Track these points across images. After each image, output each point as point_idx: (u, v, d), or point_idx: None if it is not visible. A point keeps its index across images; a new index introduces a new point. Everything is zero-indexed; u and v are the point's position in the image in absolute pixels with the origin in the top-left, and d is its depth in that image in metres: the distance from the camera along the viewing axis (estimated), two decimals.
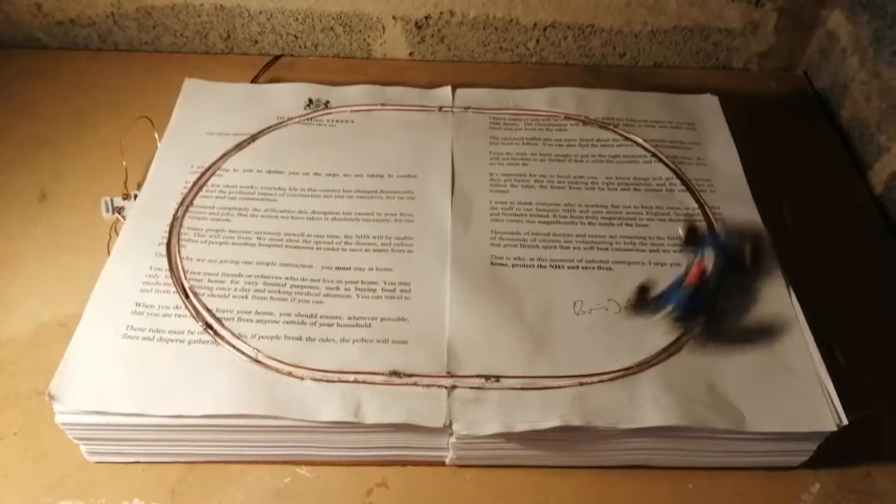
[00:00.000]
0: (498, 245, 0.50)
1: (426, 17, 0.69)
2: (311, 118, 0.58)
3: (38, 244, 0.54)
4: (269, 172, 0.54)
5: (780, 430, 0.41)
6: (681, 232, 0.47)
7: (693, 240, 0.46)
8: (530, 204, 0.52)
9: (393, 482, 0.43)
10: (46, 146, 0.61)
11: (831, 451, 0.43)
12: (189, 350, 0.43)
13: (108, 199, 0.54)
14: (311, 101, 0.59)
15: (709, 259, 0.44)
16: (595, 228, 0.51)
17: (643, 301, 0.44)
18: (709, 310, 0.44)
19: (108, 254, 0.49)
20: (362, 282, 0.47)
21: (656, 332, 0.45)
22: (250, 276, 0.47)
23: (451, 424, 0.41)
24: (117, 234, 0.51)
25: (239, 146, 0.55)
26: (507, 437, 0.41)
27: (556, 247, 0.50)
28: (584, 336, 0.45)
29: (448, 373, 0.43)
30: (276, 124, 0.57)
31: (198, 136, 0.56)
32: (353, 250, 0.49)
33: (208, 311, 0.45)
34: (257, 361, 0.43)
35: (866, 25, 0.63)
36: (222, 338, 0.44)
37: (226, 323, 0.44)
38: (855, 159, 0.63)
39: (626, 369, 0.43)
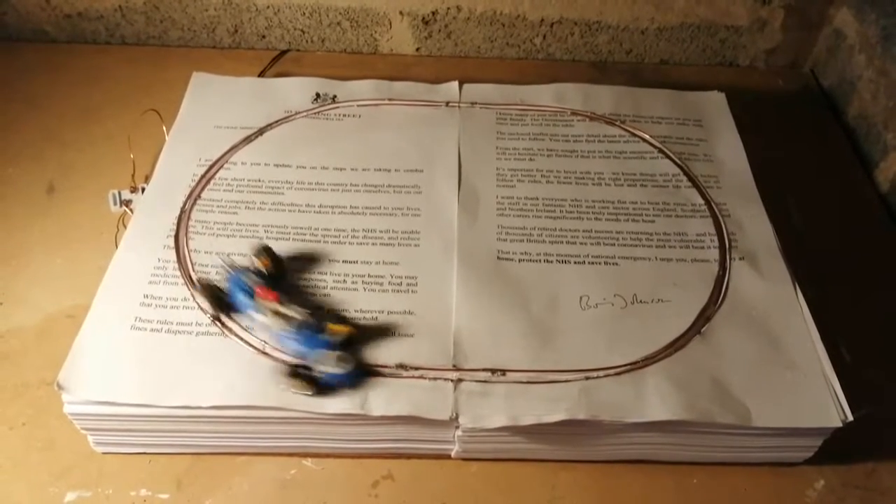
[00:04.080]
0: (504, 240, 0.50)
1: (433, 13, 0.69)
2: (318, 112, 0.58)
3: (46, 236, 0.54)
4: (277, 166, 0.54)
5: (784, 425, 0.41)
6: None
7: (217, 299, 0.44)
8: (537, 199, 0.52)
9: (399, 475, 0.43)
10: (54, 139, 0.61)
11: (836, 448, 0.43)
12: (197, 341, 0.43)
13: (116, 192, 0.54)
14: (318, 95, 0.60)
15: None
16: (601, 224, 0.51)
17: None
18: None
19: (116, 246, 0.49)
20: (369, 275, 0.47)
21: (663, 326, 0.45)
22: None
23: (457, 417, 0.41)
24: (125, 226, 0.51)
25: (246, 140, 0.56)
26: (513, 430, 0.41)
27: (562, 242, 0.50)
28: (589, 331, 0.45)
29: (454, 366, 0.43)
30: (284, 118, 0.58)
31: (205, 130, 0.56)
32: (360, 244, 0.49)
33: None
34: (265, 353, 0.43)
35: (874, 23, 0.63)
36: (230, 330, 0.44)
37: (233, 315, 0.44)
38: (861, 157, 0.63)
39: (632, 364, 0.43)
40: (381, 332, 0.44)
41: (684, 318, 0.46)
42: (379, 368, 0.42)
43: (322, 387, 0.41)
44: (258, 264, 0.45)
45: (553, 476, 0.44)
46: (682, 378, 0.42)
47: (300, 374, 0.41)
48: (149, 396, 0.41)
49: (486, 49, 0.72)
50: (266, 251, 0.46)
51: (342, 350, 0.42)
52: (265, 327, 0.43)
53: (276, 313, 0.42)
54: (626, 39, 0.71)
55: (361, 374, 0.42)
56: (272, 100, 0.59)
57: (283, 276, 0.46)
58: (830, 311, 0.47)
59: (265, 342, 0.43)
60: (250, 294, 0.43)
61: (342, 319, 0.45)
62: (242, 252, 0.48)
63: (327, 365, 0.41)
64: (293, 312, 0.42)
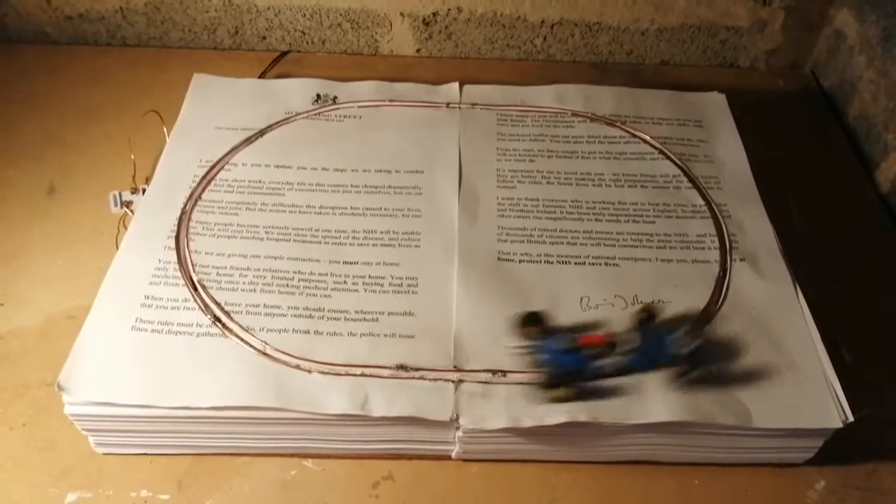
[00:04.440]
0: (505, 241, 0.50)
1: (434, 14, 0.69)
2: (318, 114, 0.58)
3: (47, 237, 0.54)
4: (277, 167, 0.54)
5: (785, 426, 0.41)
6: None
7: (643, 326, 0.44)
8: (537, 200, 0.52)
9: (399, 475, 0.43)
10: (55, 141, 0.61)
11: (836, 448, 0.43)
12: (197, 342, 0.43)
13: (117, 193, 0.54)
14: (318, 96, 0.60)
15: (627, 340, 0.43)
16: (602, 225, 0.51)
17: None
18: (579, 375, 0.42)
19: (117, 247, 0.49)
20: (370, 276, 0.47)
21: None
22: (258, 269, 0.47)
23: (457, 418, 0.41)
24: (125, 227, 0.51)
25: (247, 141, 0.56)
26: (514, 431, 0.41)
27: (562, 243, 0.50)
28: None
29: (455, 367, 0.43)
30: (284, 119, 0.58)
31: (206, 131, 0.56)
32: (361, 245, 0.49)
33: (217, 304, 0.45)
34: (265, 354, 0.43)
35: (874, 24, 0.63)
36: (230, 330, 0.44)
37: (234, 316, 0.44)
38: (862, 158, 0.63)
39: None
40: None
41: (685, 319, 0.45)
42: (379, 369, 0.42)
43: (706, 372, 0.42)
44: (534, 334, 0.43)
45: (554, 477, 0.43)
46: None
47: (688, 375, 0.42)
48: (149, 397, 0.41)
49: (486, 50, 0.72)
50: (529, 318, 0.44)
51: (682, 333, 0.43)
52: (626, 368, 0.42)
53: (614, 344, 0.42)
54: (626, 40, 0.71)
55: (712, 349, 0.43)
56: (273, 101, 0.59)
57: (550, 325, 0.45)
58: (831, 311, 0.47)
59: (266, 343, 0.43)
60: (579, 349, 0.42)
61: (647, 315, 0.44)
62: (243, 253, 0.48)
63: (686, 349, 0.42)
64: (630, 335, 0.43)
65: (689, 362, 0.42)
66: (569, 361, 0.42)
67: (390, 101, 0.60)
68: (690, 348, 0.42)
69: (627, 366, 0.42)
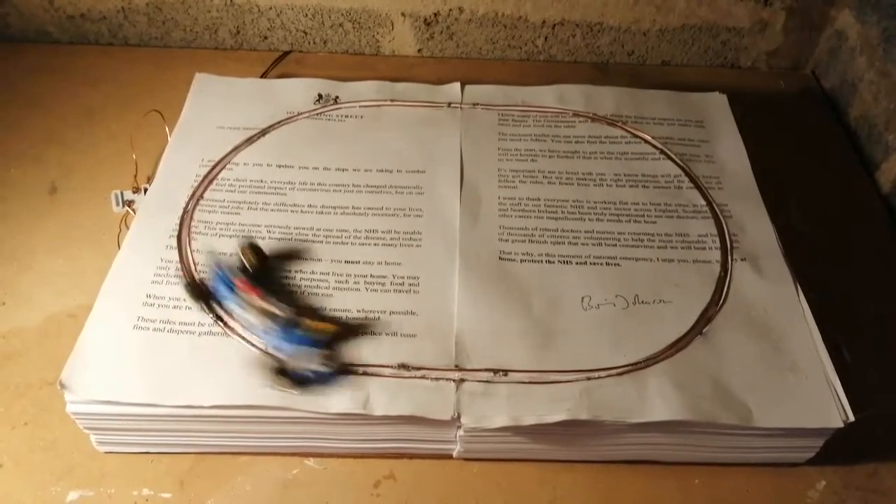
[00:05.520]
0: (506, 240, 0.50)
1: (435, 14, 0.69)
2: (320, 113, 0.58)
3: (49, 237, 0.54)
4: (279, 167, 0.54)
5: (786, 426, 0.41)
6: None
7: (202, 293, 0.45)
8: (539, 200, 0.52)
9: (400, 474, 0.43)
10: (57, 140, 0.61)
11: (837, 448, 0.43)
12: (199, 341, 0.43)
13: (118, 193, 0.55)
14: (320, 96, 0.60)
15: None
16: (603, 225, 0.51)
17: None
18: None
19: (118, 247, 0.49)
20: (371, 276, 0.47)
21: (664, 327, 0.45)
22: None
23: (459, 417, 0.41)
24: (127, 227, 0.51)
25: (249, 140, 0.56)
26: (515, 430, 0.41)
27: (564, 243, 0.50)
28: (591, 331, 0.45)
29: (456, 366, 0.43)
30: (286, 119, 0.58)
31: (208, 130, 0.56)
32: (363, 244, 0.49)
33: (219, 303, 0.45)
34: (267, 354, 0.43)
35: (875, 25, 0.63)
36: (232, 329, 0.44)
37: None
38: (863, 159, 0.63)
39: (634, 364, 0.43)
40: (366, 329, 0.44)
41: (686, 318, 0.46)
42: (381, 368, 0.42)
43: (306, 385, 0.41)
44: (244, 260, 0.46)
45: (554, 476, 0.44)
46: (683, 378, 0.42)
47: (287, 372, 0.41)
48: (151, 396, 0.41)
49: (487, 50, 0.72)
50: (251, 248, 0.46)
51: (326, 348, 0.42)
52: (249, 323, 0.43)
53: (259, 309, 0.43)
54: (627, 41, 0.71)
55: (344, 373, 0.42)
56: (275, 101, 0.59)
57: (269, 273, 0.46)
58: (832, 311, 0.47)
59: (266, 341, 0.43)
60: (230, 287, 0.44)
61: (326, 318, 0.45)
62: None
63: (312, 363, 0.41)
64: (276, 309, 0.43)
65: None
66: (219, 288, 0.44)
67: (392, 100, 0.60)
68: (307, 359, 0.41)
69: (255, 326, 0.43)
